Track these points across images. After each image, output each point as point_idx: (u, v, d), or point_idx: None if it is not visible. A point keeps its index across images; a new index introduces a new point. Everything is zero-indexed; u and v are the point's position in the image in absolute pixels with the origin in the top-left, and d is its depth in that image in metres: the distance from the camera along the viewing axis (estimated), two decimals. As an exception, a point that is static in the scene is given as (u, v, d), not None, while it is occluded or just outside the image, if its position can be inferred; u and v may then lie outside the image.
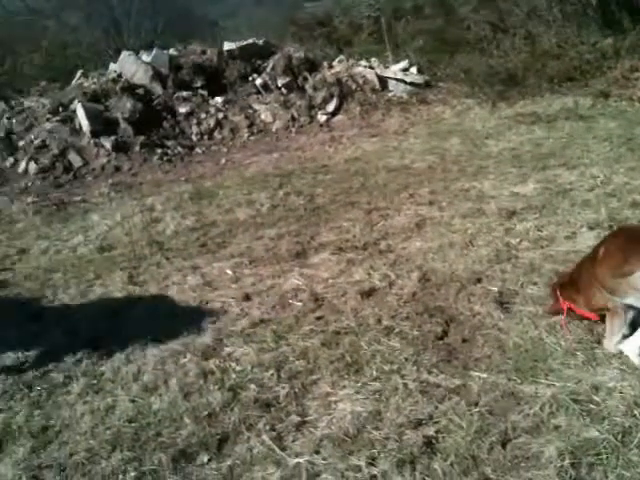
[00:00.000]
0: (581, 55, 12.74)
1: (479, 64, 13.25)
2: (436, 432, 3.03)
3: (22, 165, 10.39)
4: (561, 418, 3.02)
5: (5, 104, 12.24)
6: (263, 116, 12.52)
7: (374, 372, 3.59)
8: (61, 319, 4.82)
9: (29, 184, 9.92)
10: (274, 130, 12.19)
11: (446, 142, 9.28)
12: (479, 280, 4.56)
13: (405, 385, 3.42)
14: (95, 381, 3.87)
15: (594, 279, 3.57)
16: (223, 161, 10.32)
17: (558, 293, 3.86)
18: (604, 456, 2.75)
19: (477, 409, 3.14)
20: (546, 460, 2.77)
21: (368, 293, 4.59)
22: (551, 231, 5.29)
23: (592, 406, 3.07)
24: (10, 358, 4.24)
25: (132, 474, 2.97)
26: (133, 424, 3.37)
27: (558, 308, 3.86)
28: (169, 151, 11.08)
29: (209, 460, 3.04)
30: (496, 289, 4.37)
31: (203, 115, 12.30)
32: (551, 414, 3.06)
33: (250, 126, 12.21)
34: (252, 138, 11.88)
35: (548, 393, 3.19)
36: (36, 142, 10.75)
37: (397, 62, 14.57)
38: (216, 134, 12.00)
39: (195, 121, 12.14)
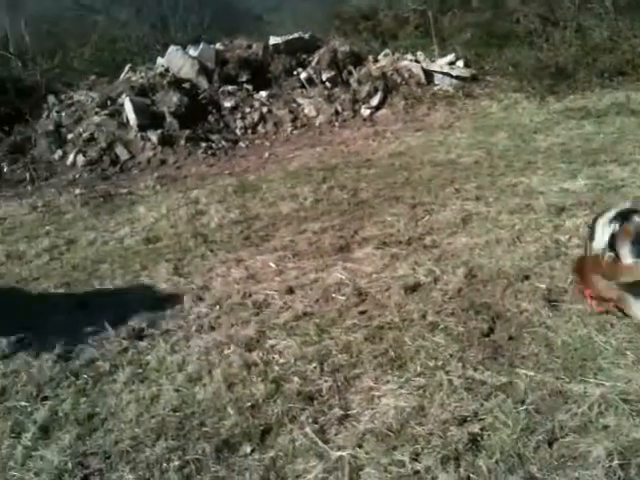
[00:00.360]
0: (634, 49, 12.42)
1: (528, 58, 13.02)
2: (481, 429, 2.98)
3: (70, 158, 10.61)
4: (610, 418, 2.94)
5: (55, 97, 12.50)
6: (307, 110, 12.53)
7: (418, 368, 3.55)
8: (107, 308, 4.89)
9: (77, 176, 10.13)
10: (317, 124, 12.18)
11: (493, 137, 9.14)
12: (527, 277, 4.46)
13: (450, 381, 3.37)
14: (140, 370, 3.91)
15: (594, 267, 3.61)
16: (266, 155, 10.35)
17: (578, 277, 3.90)
18: (655, 458, 2.67)
19: (524, 407, 3.08)
20: (594, 460, 2.70)
21: (412, 288, 4.53)
22: (602, 228, 5.16)
23: (642, 406, 2.99)
24: (58, 346, 4.31)
25: (176, 463, 2.99)
26: (177, 413, 3.40)
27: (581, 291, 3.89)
28: (213, 145, 11.17)
29: (252, 451, 3.04)
30: (544, 286, 4.28)
31: (247, 109, 12.37)
32: (600, 414, 2.98)
33: (294, 120, 12.23)
34: (295, 132, 11.90)
35: (597, 392, 3.11)
36: (84, 135, 10.96)
37: (443, 56, 14.43)
38: (260, 128, 12.05)
39: (239, 115, 12.22)
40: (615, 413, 2.97)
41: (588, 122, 9.16)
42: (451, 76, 13.30)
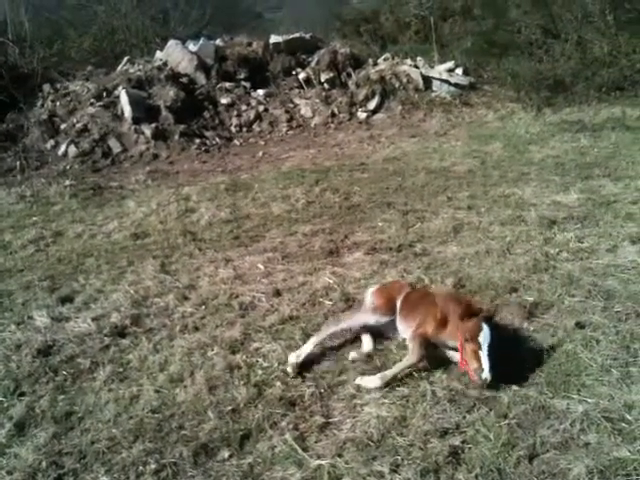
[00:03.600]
0: (633, 64, 12.44)
1: (527, 68, 13.01)
2: (462, 442, 2.97)
3: (62, 148, 10.53)
4: (591, 435, 2.94)
5: (50, 86, 12.40)
6: (303, 111, 12.50)
7: (402, 377, 3.52)
8: (91, 304, 4.85)
9: (67, 167, 10.05)
10: (313, 125, 12.16)
11: (488, 146, 9.14)
12: (515, 289, 4.45)
13: (433, 392, 3.35)
14: (121, 369, 3.87)
15: None
16: (260, 154, 10.31)
17: None
18: (634, 477, 2.67)
19: (506, 421, 3.07)
20: (573, 478, 2.70)
21: (401, 296, 4.50)
22: (592, 243, 5.16)
23: (624, 425, 2.98)
24: (38, 341, 4.25)
25: (152, 466, 2.95)
26: (156, 415, 3.36)
27: None
28: (207, 141, 11.13)
29: (230, 456, 3.01)
30: (532, 299, 4.26)
31: (244, 107, 12.33)
32: (581, 431, 2.97)
33: (289, 120, 12.20)
34: (290, 132, 11.86)
35: (580, 409, 3.11)
36: (78, 126, 10.89)
37: (443, 62, 14.42)
38: (255, 127, 12.01)
39: (235, 113, 12.18)
40: (597, 431, 2.96)
41: (583, 136, 9.16)
42: (449, 83, 13.29)
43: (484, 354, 3.30)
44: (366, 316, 3.95)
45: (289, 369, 3.66)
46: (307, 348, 3.77)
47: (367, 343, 3.87)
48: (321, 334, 3.88)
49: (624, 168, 7.30)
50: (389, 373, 3.46)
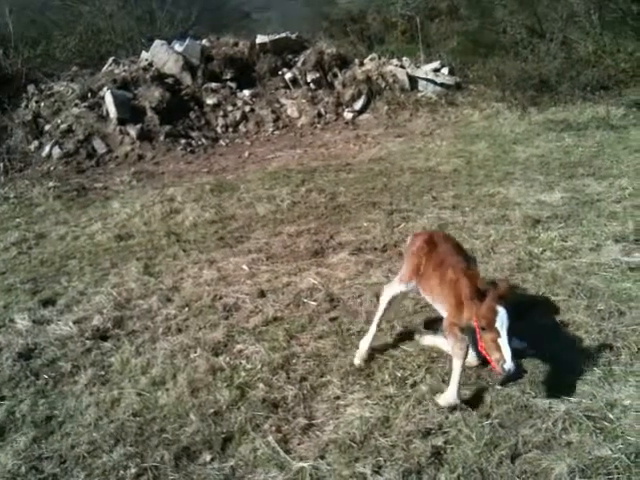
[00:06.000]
0: (617, 64, 12.49)
1: (512, 68, 13.04)
2: (445, 442, 2.97)
3: (46, 149, 10.44)
4: (573, 434, 2.95)
5: (35, 87, 12.30)
6: (289, 111, 12.48)
7: (386, 377, 3.53)
8: (73, 306, 4.81)
9: (51, 168, 9.97)
10: (299, 126, 12.13)
11: (473, 146, 9.16)
12: (499, 289, 4.45)
13: (417, 392, 3.35)
14: (103, 372, 3.85)
15: None
16: (246, 154, 10.28)
17: None
18: (615, 476, 2.68)
19: (488, 421, 3.08)
20: (555, 477, 2.71)
21: (385, 296, 4.49)
22: (575, 242, 5.18)
23: (606, 424, 3.00)
24: (19, 344, 4.22)
25: (133, 470, 2.94)
26: (138, 418, 3.35)
27: None
28: (193, 142, 11.08)
29: (212, 459, 3.00)
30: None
31: (230, 107, 12.30)
32: (564, 430, 2.98)
33: (276, 120, 12.17)
34: (276, 133, 11.84)
35: (562, 408, 3.12)
36: (62, 127, 10.80)
37: (429, 62, 14.44)
38: (241, 127, 11.98)
39: (221, 113, 12.14)
40: (579, 430, 2.97)
41: (568, 135, 9.20)
42: (435, 83, 13.31)
43: (504, 342, 2.96)
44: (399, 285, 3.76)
45: (360, 356, 3.69)
46: (373, 330, 3.76)
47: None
48: (379, 313, 3.80)
49: (608, 167, 7.34)
50: (454, 386, 3.22)
